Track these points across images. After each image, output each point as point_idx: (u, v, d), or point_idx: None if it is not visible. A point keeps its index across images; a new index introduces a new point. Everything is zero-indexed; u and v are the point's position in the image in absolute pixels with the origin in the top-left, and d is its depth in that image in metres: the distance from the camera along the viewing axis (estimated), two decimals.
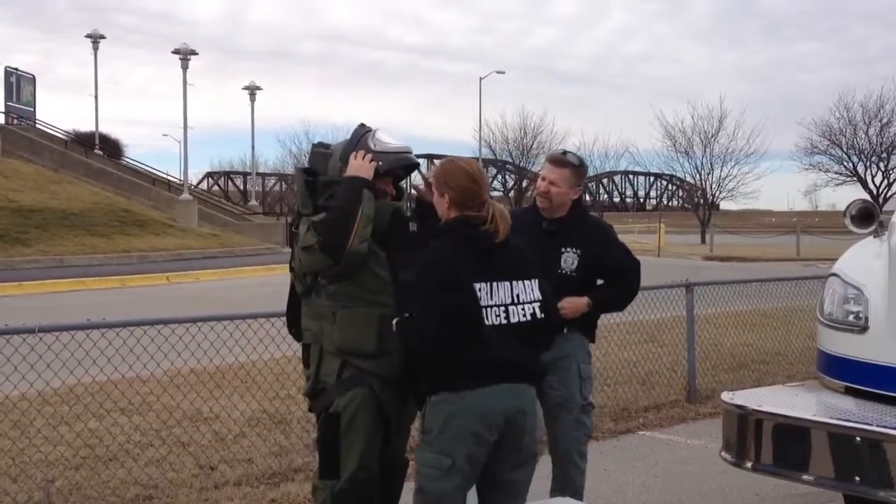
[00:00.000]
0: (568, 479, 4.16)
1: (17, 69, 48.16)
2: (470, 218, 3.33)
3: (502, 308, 3.23)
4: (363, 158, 3.53)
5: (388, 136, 3.72)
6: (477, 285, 3.21)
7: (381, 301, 3.46)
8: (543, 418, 4.24)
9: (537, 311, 3.30)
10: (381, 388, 3.49)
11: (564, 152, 4.29)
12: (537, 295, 3.32)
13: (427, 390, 3.27)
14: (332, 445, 3.51)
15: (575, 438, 4.22)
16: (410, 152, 3.77)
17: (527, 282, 3.31)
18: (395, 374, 3.48)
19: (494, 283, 3.23)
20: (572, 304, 4.12)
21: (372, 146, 3.63)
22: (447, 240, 3.34)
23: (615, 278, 4.34)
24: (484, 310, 3.20)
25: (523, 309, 3.26)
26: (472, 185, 3.39)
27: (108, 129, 49.90)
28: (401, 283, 3.43)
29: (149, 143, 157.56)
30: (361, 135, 3.69)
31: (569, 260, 4.17)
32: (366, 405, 3.48)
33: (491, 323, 3.20)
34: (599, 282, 4.35)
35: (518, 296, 3.27)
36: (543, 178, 4.21)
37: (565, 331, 4.14)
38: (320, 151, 3.73)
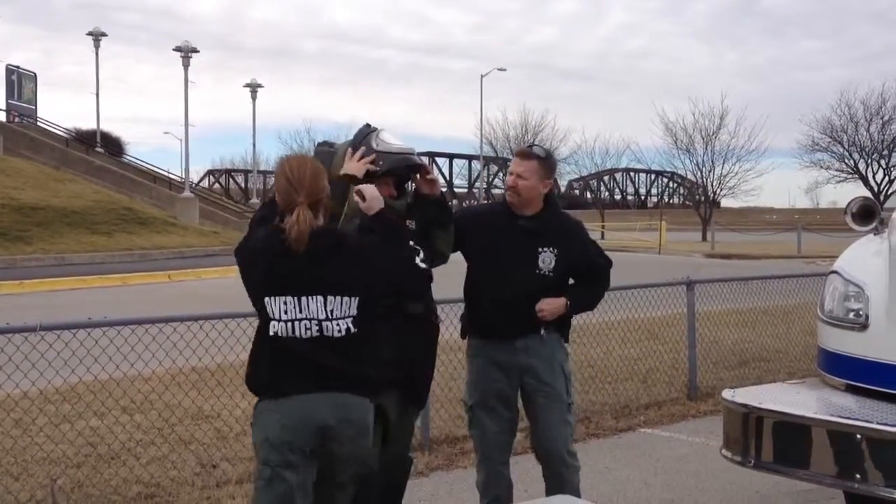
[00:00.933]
0: (563, 480, 4.14)
1: (18, 67, 48.15)
2: (280, 226, 3.17)
3: (315, 322, 3.14)
4: (357, 159, 3.54)
5: (393, 137, 3.73)
6: (280, 299, 3.14)
7: (379, 301, 3.47)
8: (528, 419, 4.26)
9: (351, 326, 3.18)
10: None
11: (531, 145, 4.27)
12: (353, 311, 3.18)
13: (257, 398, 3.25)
14: None
15: (564, 438, 4.19)
16: (413, 153, 3.77)
17: (345, 298, 3.17)
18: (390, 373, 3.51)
19: (304, 298, 3.14)
20: (551, 306, 4.09)
21: (374, 146, 3.63)
22: (244, 248, 3.26)
23: (589, 278, 4.31)
24: (293, 323, 3.13)
25: (338, 324, 3.16)
26: (288, 187, 3.19)
27: (109, 126, 49.90)
28: None
29: (150, 140, 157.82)
30: (365, 134, 3.70)
31: (546, 260, 4.11)
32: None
33: (301, 336, 3.14)
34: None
35: (332, 311, 3.16)
36: (511, 173, 4.16)
37: (542, 332, 4.12)
38: (324, 150, 3.79)
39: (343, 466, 3.23)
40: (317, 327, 3.14)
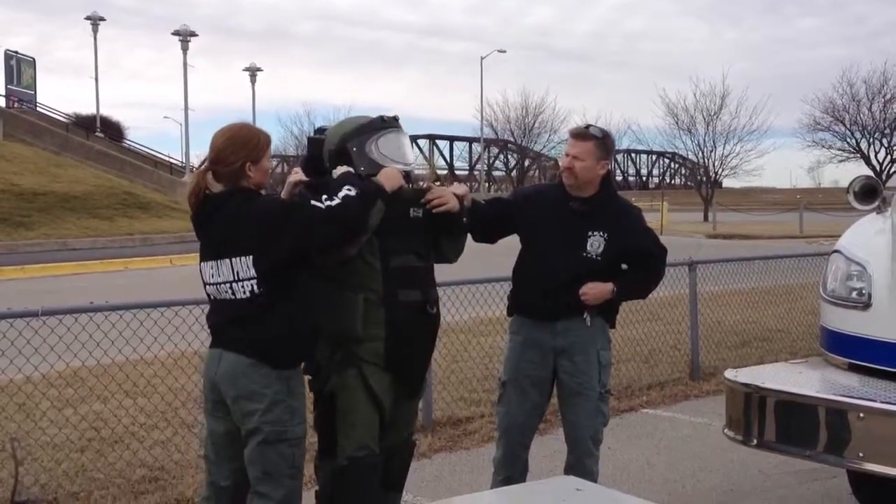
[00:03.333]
0: (584, 468, 4.07)
1: (17, 52, 48.08)
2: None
3: (227, 285, 3.27)
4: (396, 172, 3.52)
5: (395, 146, 3.64)
6: (206, 265, 3.34)
7: (370, 287, 3.50)
8: (559, 403, 4.22)
9: (255, 288, 3.21)
10: (370, 371, 3.52)
11: (587, 126, 4.14)
12: (253, 272, 3.21)
13: None
14: (328, 425, 3.55)
15: (592, 427, 4.11)
16: (409, 168, 3.69)
17: (241, 258, 3.22)
18: (381, 360, 3.52)
19: (217, 262, 3.29)
20: (595, 290, 3.99)
21: (368, 151, 3.58)
22: None
23: (641, 265, 4.20)
24: (214, 286, 3.32)
25: (243, 286, 3.23)
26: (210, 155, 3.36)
27: (107, 111, 49.77)
28: (390, 269, 3.50)
29: (149, 125, 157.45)
30: (369, 132, 3.62)
31: (595, 244, 4.01)
32: (358, 386, 3.51)
33: (222, 298, 3.30)
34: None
35: (238, 273, 3.24)
36: (567, 154, 4.06)
37: (586, 316, 4.04)
38: (315, 137, 3.75)
39: (240, 421, 3.26)
40: (230, 289, 3.26)
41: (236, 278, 3.24)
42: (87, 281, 16.66)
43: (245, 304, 3.24)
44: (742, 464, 5.47)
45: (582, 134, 4.06)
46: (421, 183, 3.82)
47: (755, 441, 3.98)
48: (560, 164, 4.15)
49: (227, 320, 3.30)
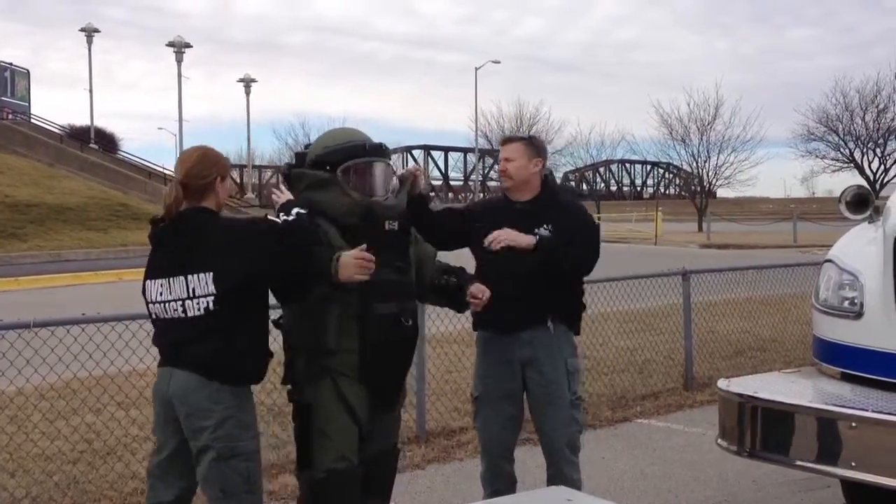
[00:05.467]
0: (563, 476, 4.09)
1: (11, 64, 48.06)
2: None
3: (178, 303, 3.29)
4: (356, 263, 3.33)
5: (371, 176, 3.60)
6: (154, 283, 3.37)
7: (346, 300, 3.48)
8: (531, 413, 4.22)
9: (211, 304, 3.24)
10: (344, 383, 3.53)
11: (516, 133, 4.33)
12: (212, 289, 3.24)
13: None
14: (305, 437, 3.56)
15: (567, 435, 4.11)
16: (377, 199, 3.61)
17: (200, 275, 3.26)
18: (354, 372, 3.52)
19: (171, 279, 3.32)
20: (510, 234, 3.87)
21: (342, 177, 3.57)
22: None
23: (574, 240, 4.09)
24: (161, 304, 3.34)
25: (198, 303, 3.25)
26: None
27: (100, 122, 49.52)
28: (370, 283, 3.44)
29: (143, 136, 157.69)
30: (348, 157, 3.59)
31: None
32: (333, 398, 3.52)
33: (170, 317, 3.32)
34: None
35: (194, 290, 3.26)
36: (500, 160, 4.23)
37: (549, 324, 4.06)
38: (302, 152, 3.78)
39: (192, 438, 3.28)
40: (181, 306, 3.29)
41: (190, 295, 3.27)
42: (80, 292, 16.62)
43: (196, 322, 3.27)
44: (736, 473, 5.46)
45: (508, 138, 4.28)
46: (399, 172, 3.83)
47: (748, 451, 3.98)
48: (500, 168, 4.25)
49: (176, 339, 3.31)
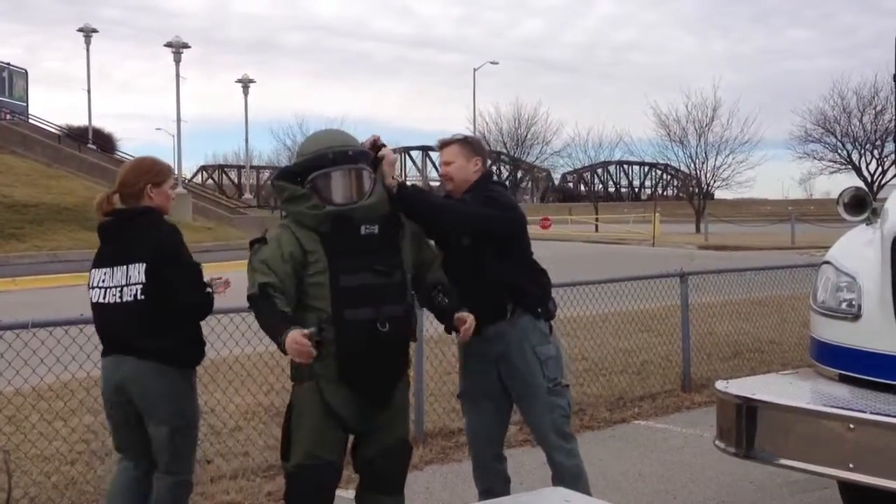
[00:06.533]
0: (556, 464, 4.11)
1: (9, 64, 47.99)
2: None
3: (117, 289, 3.75)
4: (296, 349, 3.33)
5: (333, 185, 3.63)
6: (98, 271, 3.83)
7: (318, 306, 3.53)
8: (517, 408, 4.24)
9: (138, 293, 3.71)
10: (325, 384, 3.57)
11: (450, 137, 4.27)
12: (142, 278, 3.70)
13: None
14: (285, 432, 3.68)
15: (550, 422, 4.08)
16: (340, 208, 3.61)
17: (137, 265, 3.72)
18: (333, 376, 3.55)
19: (113, 268, 3.79)
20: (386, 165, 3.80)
21: (309, 186, 3.63)
22: None
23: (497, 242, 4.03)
24: (101, 290, 3.80)
25: (132, 290, 3.72)
26: None
27: (97, 122, 49.49)
28: (339, 288, 3.50)
29: (140, 137, 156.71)
30: (315, 166, 3.63)
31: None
32: (313, 399, 3.59)
33: (108, 302, 3.77)
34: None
35: (130, 278, 3.73)
36: (440, 165, 4.22)
37: (510, 315, 4.03)
38: (286, 165, 3.93)
39: (149, 416, 3.80)
40: (119, 292, 3.75)
41: (127, 283, 3.73)
42: (78, 293, 16.57)
43: (132, 308, 3.72)
44: (733, 475, 5.47)
45: (444, 142, 4.24)
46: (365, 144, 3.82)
47: (746, 452, 3.98)
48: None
49: (117, 326, 3.77)
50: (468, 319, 3.72)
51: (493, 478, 4.23)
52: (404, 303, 3.69)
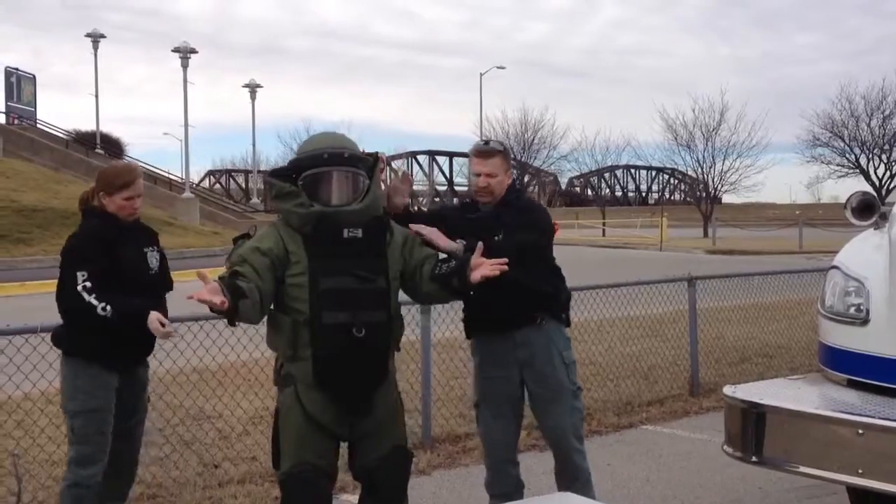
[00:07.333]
0: (573, 466, 4.16)
1: (17, 69, 48.21)
2: None
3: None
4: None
5: (322, 186, 3.61)
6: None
7: (297, 308, 3.51)
8: (533, 412, 4.24)
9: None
10: (303, 390, 3.55)
11: (486, 141, 4.22)
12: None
13: None
14: (274, 439, 3.66)
15: (572, 426, 4.17)
16: (326, 209, 3.59)
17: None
18: (310, 381, 3.52)
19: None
20: (432, 233, 3.80)
21: (300, 185, 3.62)
22: None
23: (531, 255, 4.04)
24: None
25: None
26: None
27: (104, 127, 49.56)
28: (318, 291, 3.48)
29: (146, 141, 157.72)
30: (308, 166, 3.63)
31: (506, 233, 3.98)
32: (294, 404, 3.57)
33: None
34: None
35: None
36: (478, 174, 4.08)
37: (539, 321, 4.07)
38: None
39: None
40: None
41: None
42: None
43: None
44: (742, 480, 5.45)
45: (488, 151, 4.13)
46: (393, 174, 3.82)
47: (754, 457, 3.97)
48: (474, 185, 4.13)
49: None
50: (485, 262, 3.52)
51: (508, 483, 4.23)
52: (384, 310, 3.60)
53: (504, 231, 3.91)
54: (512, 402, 4.18)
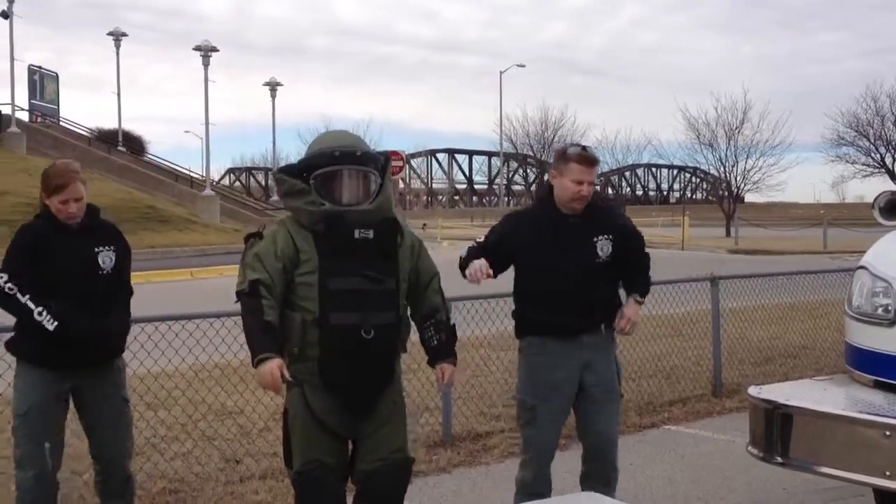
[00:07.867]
0: (612, 466, 4.28)
1: (40, 67, 48.53)
2: None
3: None
4: (267, 381, 3.38)
5: (332, 185, 3.59)
6: None
7: (305, 307, 3.50)
8: (583, 413, 4.25)
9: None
10: (309, 390, 3.55)
11: (584, 148, 4.23)
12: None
13: None
14: (285, 438, 3.68)
15: (615, 431, 4.34)
16: (338, 208, 3.57)
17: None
18: (316, 381, 3.52)
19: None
20: (631, 313, 4.24)
21: (309, 184, 3.58)
22: None
23: (636, 264, 4.34)
24: None
25: None
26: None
27: (125, 126, 49.81)
28: (327, 291, 3.46)
29: (169, 139, 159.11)
30: (317, 165, 3.61)
31: (604, 248, 4.14)
32: (301, 403, 3.57)
33: None
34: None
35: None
36: (580, 182, 4.09)
37: (603, 328, 4.19)
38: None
39: None
40: None
41: None
42: None
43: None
44: (766, 482, 5.41)
45: (593, 160, 4.21)
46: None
47: (779, 459, 3.94)
48: (574, 191, 4.12)
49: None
50: (447, 372, 3.74)
51: (545, 483, 4.25)
52: (393, 312, 3.59)
53: (612, 238, 4.17)
54: (569, 405, 4.24)
